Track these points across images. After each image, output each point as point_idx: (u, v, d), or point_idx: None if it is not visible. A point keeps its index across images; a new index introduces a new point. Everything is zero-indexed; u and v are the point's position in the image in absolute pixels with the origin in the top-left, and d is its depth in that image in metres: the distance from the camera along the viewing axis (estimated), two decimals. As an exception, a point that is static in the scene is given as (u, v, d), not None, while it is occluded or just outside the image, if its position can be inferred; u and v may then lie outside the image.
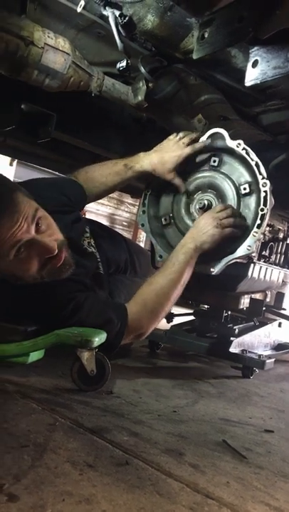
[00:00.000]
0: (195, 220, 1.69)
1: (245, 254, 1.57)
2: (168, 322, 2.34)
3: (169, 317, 2.33)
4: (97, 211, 7.42)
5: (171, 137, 1.72)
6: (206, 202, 1.67)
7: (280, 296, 2.63)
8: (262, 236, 1.65)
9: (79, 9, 1.39)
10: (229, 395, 1.72)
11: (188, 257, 1.52)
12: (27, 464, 0.90)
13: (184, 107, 1.87)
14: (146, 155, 1.71)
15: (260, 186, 1.56)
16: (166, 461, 1.03)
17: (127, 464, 0.98)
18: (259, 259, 1.95)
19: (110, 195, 2.37)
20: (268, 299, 2.43)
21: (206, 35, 1.36)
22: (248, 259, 1.79)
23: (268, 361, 1.95)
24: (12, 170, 5.79)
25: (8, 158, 5.60)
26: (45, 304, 1.37)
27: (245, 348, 2.04)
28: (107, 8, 1.39)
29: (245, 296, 2.12)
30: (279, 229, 2.15)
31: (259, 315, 2.32)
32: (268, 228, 2.02)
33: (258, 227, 1.55)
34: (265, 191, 1.55)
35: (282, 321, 2.52)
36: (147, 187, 1.85)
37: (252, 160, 1.59)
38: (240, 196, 1.63)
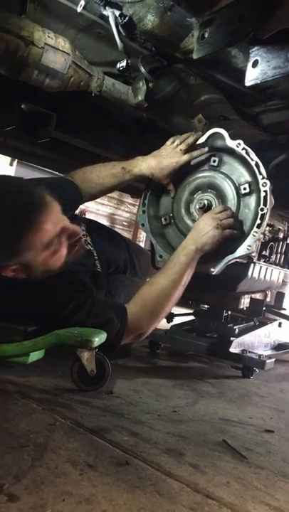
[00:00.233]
0: (195, 219, 1.69)
1: (245, 254, 1.57)
2: (168, 322, 2.34)
3: (169, 317, 2.32)
4: (97, 211, 7.41)
5: (168, 143, 1.72)
6: (206, 202, 1.67)
7: (280, 296, 2.63)
8: (262, 236, 1.65)
9: (79, 9, 1.39)
10: (229, 394, 1.72)
11: (190, 259, 1.53)
12: (27, 464, 0.90)
13: (184, 107, 1.87)
14: (144, 159, 1.71)
15: (260, 186, 1.56)
16: (166, 461, 1.03)
17: (127, 464, 0.98)
18: (259, 259, 1.95)
19: (110, 194, 2.38)
20: (268, 299, 2.42)
21: (206, 35, 1.36)
22: (248, 259, 1.79)
23: (268, 361, 1.95)
24: (12, 170, 5.79)
25: (8, 158, 5.60)
26: (45, 304, 1.38)
27: (245, 348, 2.04)
28: (107, 8, 1.39)
29: (246, 296, 2.12)
30: (279, 229, 2.15)
31: (259, 315, 2.32)
32: (267, 228, 2.02)
33: (258, 226, 1.55)
34: (265, 191, 1.55)
35: (283, 321, 2.52)
36: (147, 187, 1.85)
37: (252, 160, 1.59)
38: (240, 196, 1.63)
